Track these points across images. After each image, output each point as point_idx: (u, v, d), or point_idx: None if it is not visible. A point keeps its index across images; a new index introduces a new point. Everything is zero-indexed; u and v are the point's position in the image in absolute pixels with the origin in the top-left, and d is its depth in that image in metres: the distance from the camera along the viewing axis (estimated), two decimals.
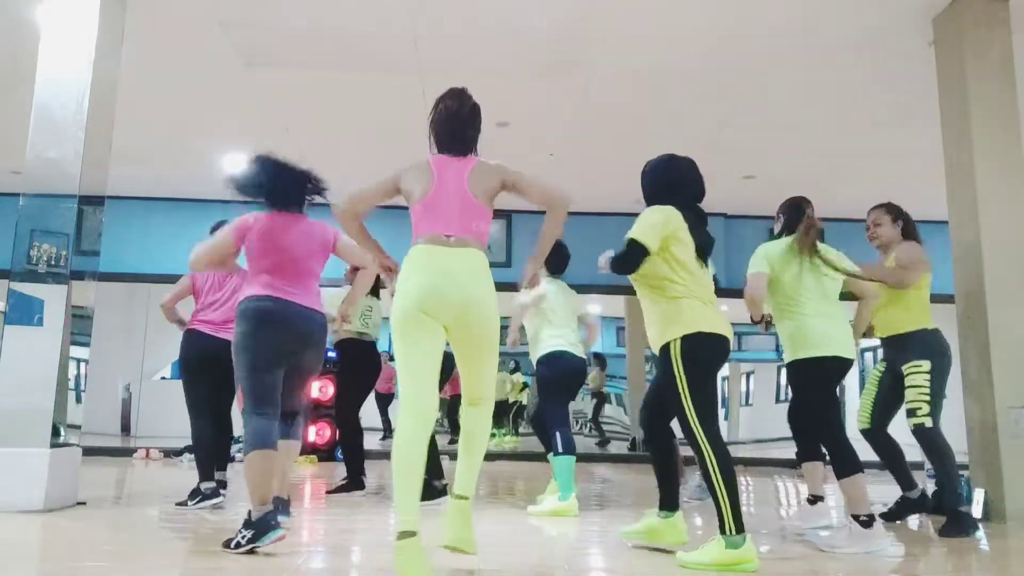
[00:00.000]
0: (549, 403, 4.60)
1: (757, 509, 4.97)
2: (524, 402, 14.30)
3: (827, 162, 7.24)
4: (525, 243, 8.52)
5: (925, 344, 4.09)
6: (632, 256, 3.00)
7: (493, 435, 12.71)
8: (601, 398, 13.23)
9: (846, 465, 3.38)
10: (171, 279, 8.25)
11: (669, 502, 3.23)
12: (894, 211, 4.33)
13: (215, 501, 4.25)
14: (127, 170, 7.20)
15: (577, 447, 4.60)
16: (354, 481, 5.15)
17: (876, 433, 4.34)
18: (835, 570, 3.04)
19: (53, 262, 4.04)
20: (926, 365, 4.04)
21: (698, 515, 4.43)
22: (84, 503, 4.08)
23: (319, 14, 4.83)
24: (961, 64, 4.46)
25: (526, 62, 5.41)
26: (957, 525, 3.76)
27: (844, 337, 3.56)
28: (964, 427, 4.42)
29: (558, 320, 4.57)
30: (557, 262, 4.71)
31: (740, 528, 2.79)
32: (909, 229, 4.28)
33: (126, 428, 11.10)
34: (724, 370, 18.13)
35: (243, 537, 2.91)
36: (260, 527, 2.90)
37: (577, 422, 15.27)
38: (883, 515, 4.21)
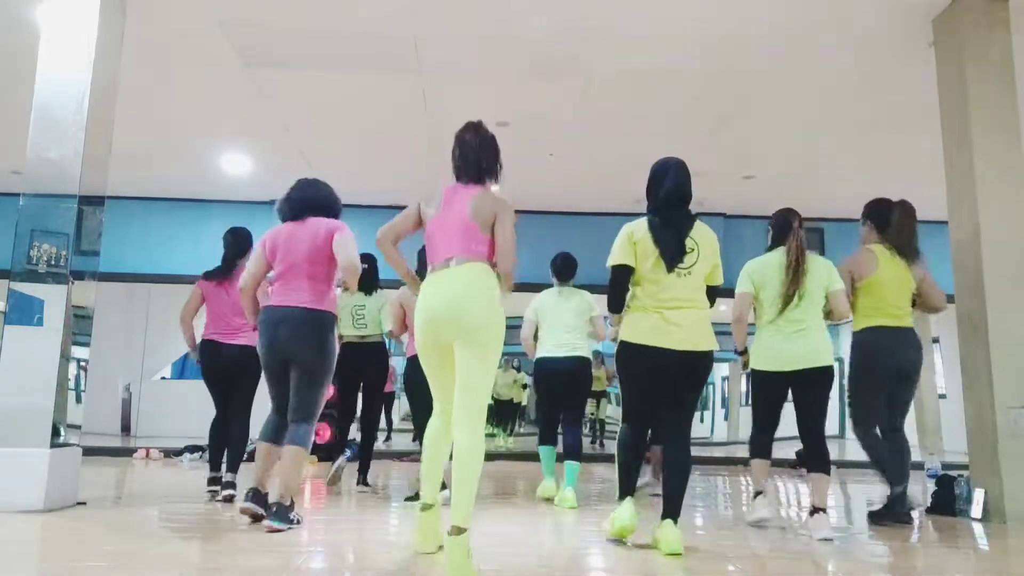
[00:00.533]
0: (537, 404, 5.19)
1: None
2: (524, 402, 14.34)
3: (827, 162, 7.24)
4: (524, 243, 8.50)
5: (852, 348, 4.35)
6: (614, 279, 3.28)
7: (495, 435, 12.73)
8: (601, 396, 13.21)
9: (754, 451, 4.04)
10: (171, 279, 8.39)
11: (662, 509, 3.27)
12: (863, 213, 4.49)
13: (210, 489, 4.53)
14: (127, 170, 7.20)
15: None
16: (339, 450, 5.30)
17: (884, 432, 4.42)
18: (834, 568, 3.04)
19: (53, 262, 4.03)
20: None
21: (699, 517, 4.44)
22: (84, 503, 4.08)
23: (319, 14, 4.83)
24: (961, 65, 4.46)
25: (526, 62, 5.41)
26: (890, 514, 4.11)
27: (794, 352, 3.76)
28: (964, 427, 4.43)
29: (546, 327, 4.90)
30: (566, 269, 4.98)
31: (621, 496, 3.27)
32: (886, 221, 4.33)
33: (126, 428, 11.09)
34: (724, 370, 18.16)
35: None
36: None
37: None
38: (870, 514, 4.32)
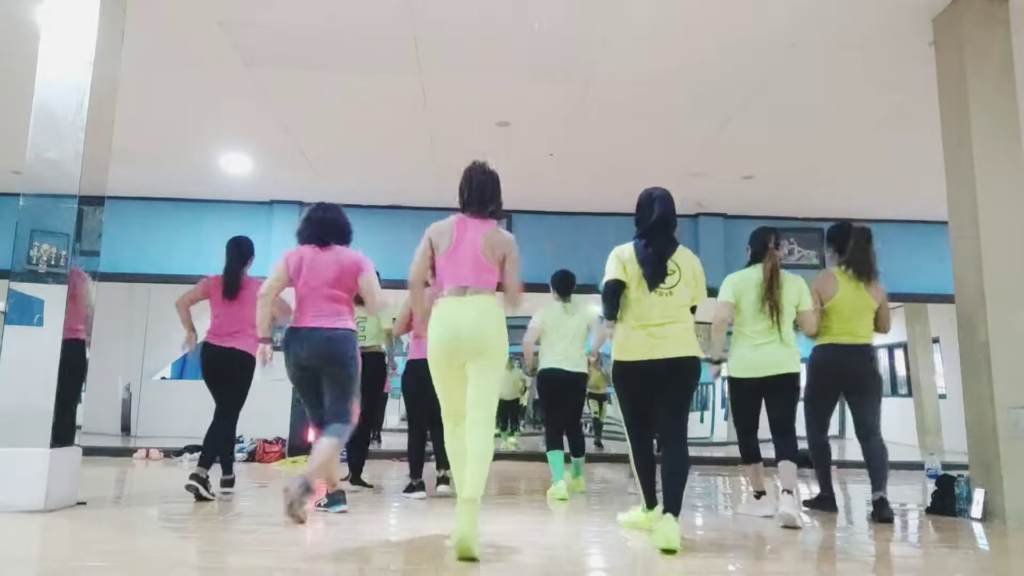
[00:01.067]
0: (542, 408, 5.60)
1: None
2: (524, 403, 14.35)
3: (827, 162, 7.23)
4: (524, 243, 8.50)
5: (808, 361, 4.62)
6: (606, 292, 3.52)
7: (498, 435, 12.75)
8: (603, 399, 13.20)
9: (745, 458, 4.47)
10: (171, 279, 8.39)
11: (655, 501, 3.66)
12: (826, 237, 4.85)
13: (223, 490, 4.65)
14: (127, 170, 7.19)
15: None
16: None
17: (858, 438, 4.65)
18: (834, 568, 3.04)
19: (53, 262, 4.04)
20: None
21: (700, 516, 4.45)
22: (84, 503, 4.08)
23: (319, 14, 4.83)
24: (961, 64, 4.45)
25: (526, 62, 5.41)
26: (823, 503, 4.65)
27: (763, 361, 4.25)
28: (964, 427, 4.43)
29: (549, 340, 5.36)
30: (565, 286, 5.41)
31: (648, 505, 3.62)
32: (843, 246, 4.62)
33: (126, 428, 11.09)
34: (724, 371, 18.25)
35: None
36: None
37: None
38: (872, 515, 4.37)
